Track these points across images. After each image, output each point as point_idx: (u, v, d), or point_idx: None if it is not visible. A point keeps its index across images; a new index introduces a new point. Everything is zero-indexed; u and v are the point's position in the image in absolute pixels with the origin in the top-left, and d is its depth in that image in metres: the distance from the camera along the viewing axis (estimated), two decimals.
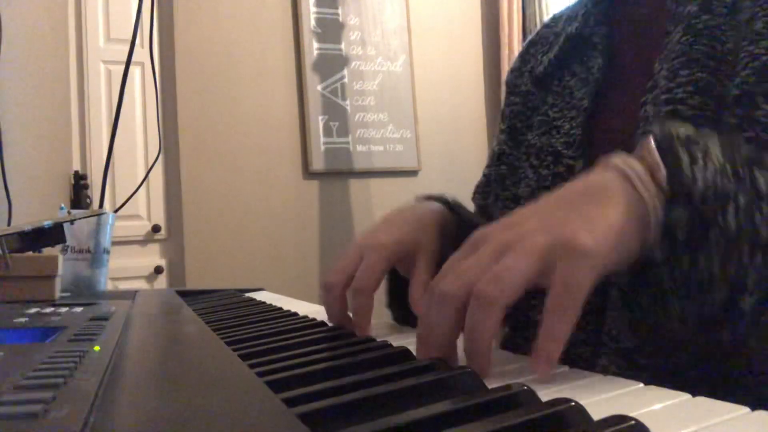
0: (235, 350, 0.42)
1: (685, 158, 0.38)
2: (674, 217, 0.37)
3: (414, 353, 0.40)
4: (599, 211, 0.38)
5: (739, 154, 0.40)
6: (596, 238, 0.36)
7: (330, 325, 0.55)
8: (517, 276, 0.35)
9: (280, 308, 0.71)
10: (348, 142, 2.79)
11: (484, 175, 0.83)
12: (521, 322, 0.63)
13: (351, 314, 0.53)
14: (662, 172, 0.39)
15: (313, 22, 2.77)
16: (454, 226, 0.62)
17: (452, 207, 0.66)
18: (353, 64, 2.83)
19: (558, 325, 0.35)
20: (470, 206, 0.79)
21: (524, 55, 0.80)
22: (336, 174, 2.77)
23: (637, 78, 0.61)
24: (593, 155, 0.62)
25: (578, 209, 0.38)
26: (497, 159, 0.75)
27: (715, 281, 0.38)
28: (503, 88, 0.84)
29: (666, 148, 0.39)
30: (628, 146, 0.57)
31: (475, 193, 0.83)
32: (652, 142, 0.40)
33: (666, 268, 0.38)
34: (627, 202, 0.38)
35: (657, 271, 0.39)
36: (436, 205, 0.64)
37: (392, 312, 0.64)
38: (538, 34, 0.81)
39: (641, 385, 0.32)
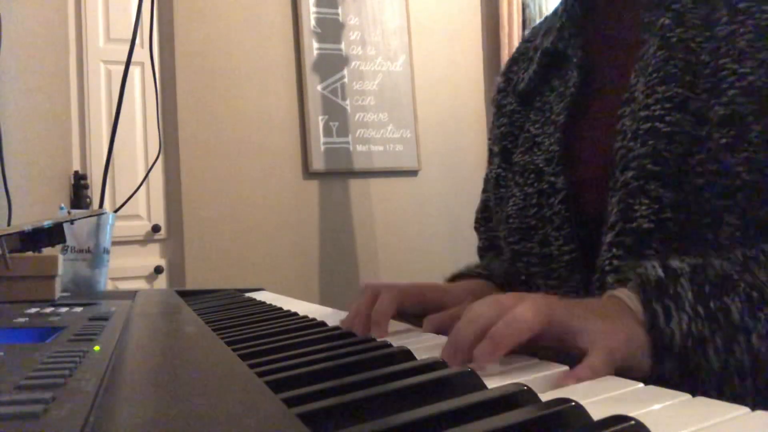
0: (235, 350, 0.42)
1: (660, 314, 0.42)
2: (663, 369, 0.41)
3: (414, 353, 0.40)
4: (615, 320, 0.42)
5: (710, 284, 0.43)
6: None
7: (330, 325, 0.55)
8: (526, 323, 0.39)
9: (280, 308, 0.71)
10: (348, 142, 2.78)
11: (482, 201, 0.84)
12: None
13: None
14: (645, 323, 0.43)
15: (313, 22, 2.77)
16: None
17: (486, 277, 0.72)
18: (353, 64, 2.83)
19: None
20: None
21: (507, 74, 0.80)
22: (336, 174, 2.77)
23: (614, 89, 0.61)
24: (573, 170, 0.63)
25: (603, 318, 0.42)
26: (495, 183, 0.74)
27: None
28: None
29: (643, 302, 0.43)
30: (606, 159, 0.57)
31: (476, 222, 0.85)
32: (630, 291, 0.45)
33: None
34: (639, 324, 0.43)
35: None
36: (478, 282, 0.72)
37: None
38: (518, 50, 0.81)
39: (641, 385, 0.32)
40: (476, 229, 0.84)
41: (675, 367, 0.41)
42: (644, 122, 0.54)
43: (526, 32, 0.82)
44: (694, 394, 0.30)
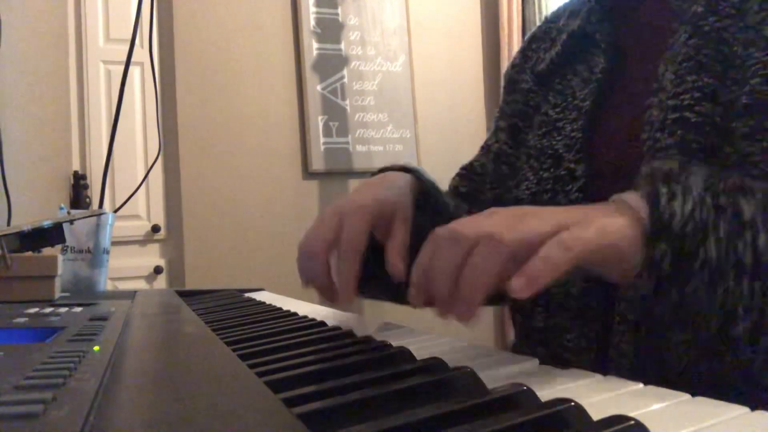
0: (235, 350, 0.42)
1: (663, 194, 0.40)
2: (657, 252, 0.38)
3: (414, 354, 0.40)
4: (599, 217, 0.40)
5: (725, 183, 0.41)
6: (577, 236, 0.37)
7: (330, 325, 0.55)
8: (527, 232, 0.38)
9: (280, 308, 0.71)
10: (348, 142, 2.78)
11: (470, 162, 0.81)
12: (529, 329, 0.63)
13: (335, 279, 0.53)
14: (645, 208, 0.40)
15: (313, 22, 2.77)
16: (424, 194, 0.65)
17: (419, 176, 0.68)
18: (353, 64, 2.83)
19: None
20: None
21: (525, 51, 0.78)
22: (336, 174, 2.77)
23: (641, 79, 0.60)
24: (594, 158, 0.61)
25: (580, 212, 0.40)
26: (496, 158, 0.73)
27: (705, 310, 0.39)
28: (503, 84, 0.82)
29: (646, 185, 0.41)
30: (630, 149, 0.56)
31: (456, 176, 0.82)
32: (638, 182, 0.42)
33: (657, 300, 0.39)
34: (629, 217, 0.40)
35: (651, 303, 0.40)
36: (406, 175, 0.66)
37: (364, 288, 0.58)
38: (540, 28, 0.79)
39: (641, 385, 0.32)
40: (452, 179, 0.82)
41: (667, 250, 0.38)
42: (672, 112, 0.52)
43: (548, 14, 0.81)
44: (693, 395, 0.30)
